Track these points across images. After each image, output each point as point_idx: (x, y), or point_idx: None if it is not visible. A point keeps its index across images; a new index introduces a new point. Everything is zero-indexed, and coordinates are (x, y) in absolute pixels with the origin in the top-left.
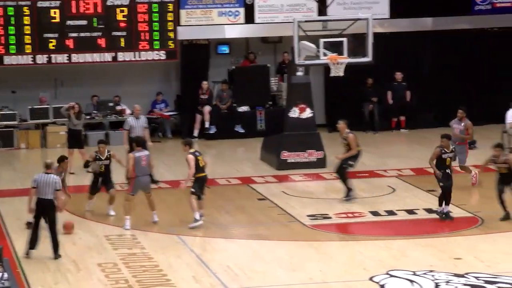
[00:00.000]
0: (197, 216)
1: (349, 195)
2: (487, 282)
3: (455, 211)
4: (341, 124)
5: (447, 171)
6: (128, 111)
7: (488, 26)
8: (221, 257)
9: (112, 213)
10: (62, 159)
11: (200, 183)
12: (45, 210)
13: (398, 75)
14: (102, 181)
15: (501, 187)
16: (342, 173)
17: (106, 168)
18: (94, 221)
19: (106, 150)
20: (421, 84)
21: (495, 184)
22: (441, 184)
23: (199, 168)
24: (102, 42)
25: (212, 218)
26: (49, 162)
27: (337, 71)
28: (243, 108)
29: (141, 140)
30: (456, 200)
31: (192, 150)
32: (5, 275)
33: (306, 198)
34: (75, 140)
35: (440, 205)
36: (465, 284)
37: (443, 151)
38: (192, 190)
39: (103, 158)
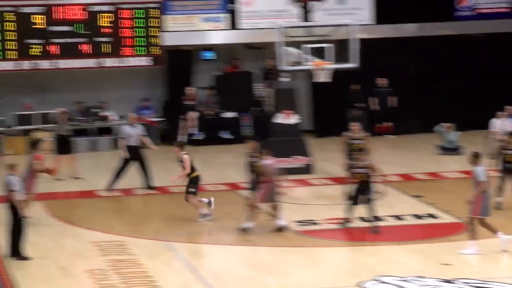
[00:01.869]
0: (204, 211)
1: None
2: (476, 287)
3: (443, 217)
4: None
5: None
6: (112, 117)
7: (470, 32)
8: (210, 263)
9: (282, 222)
10: None
11: (197, 182)
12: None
13: (382, 81)
14: None
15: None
16: None
17: None
18: (82, 227)
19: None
20: (405, 89)
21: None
22: None
23: (193, 168)
24: (86, 48)
25: (200, 224)
26: (10, 163)
27: (323, 77)
28: (229, 114)
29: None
30: (444, 205)
31: (184, 152)
32: None
33: (293, 204)
34: (64, 146)
35: None
36: None
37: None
38: (192, 190)
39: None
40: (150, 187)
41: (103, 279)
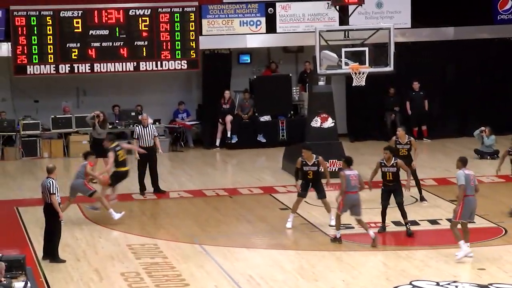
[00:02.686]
0: (97, 205)
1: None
2: None
3: (479, 221)
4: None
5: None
6: (150, 120)
7: (510, 36)
8: (242, 266)
9: (333, 222)
10: None
11: (118, 177)
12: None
13: (415, 85)
14: (312, 187)
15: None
16: None
17: (314, 174)
18: (116, 230)
19: (314, 156)
20: (443, 93)
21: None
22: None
23: (118, 163)
24: (124, 51)
25: (233, 227)
26: (50, 166)
27: (359, 81)
28: (265, 118)
29: (350, 160)
30: (479, 210)
31: (113, 145)
32: (29, 284)
33: None
34: (100, 149)
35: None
36: None
37: (382, 163)
38: (109, 182)
39: (309, 164)
40: (157, 191)
41: (136, 282)
